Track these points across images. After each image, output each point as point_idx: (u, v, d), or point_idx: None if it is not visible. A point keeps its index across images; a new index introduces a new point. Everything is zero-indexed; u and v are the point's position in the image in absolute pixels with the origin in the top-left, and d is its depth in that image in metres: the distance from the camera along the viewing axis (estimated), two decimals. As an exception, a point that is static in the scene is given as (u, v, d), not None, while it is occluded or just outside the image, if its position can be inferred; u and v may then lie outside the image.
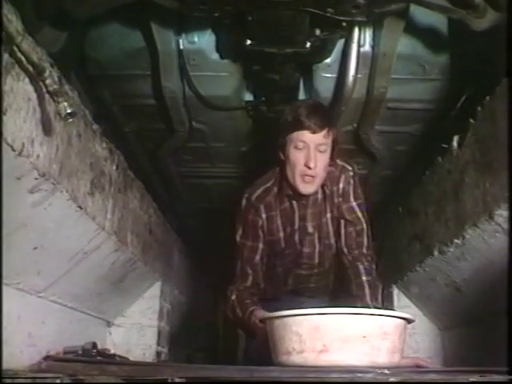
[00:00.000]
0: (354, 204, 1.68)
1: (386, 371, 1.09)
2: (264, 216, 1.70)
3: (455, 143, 1.65)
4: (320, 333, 1.12)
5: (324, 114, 1.60)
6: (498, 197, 1.31)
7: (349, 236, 1.68)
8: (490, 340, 1.66)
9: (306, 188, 1.60)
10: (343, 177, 1.69)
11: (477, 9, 1.25)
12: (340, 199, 1.69)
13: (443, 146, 1.76)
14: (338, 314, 1.15)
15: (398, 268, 2.25)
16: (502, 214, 1.31)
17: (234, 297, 1.62)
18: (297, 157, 1.56)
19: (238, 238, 1.71)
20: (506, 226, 1.33)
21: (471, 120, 1.51)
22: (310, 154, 1.53)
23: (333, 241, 1.74)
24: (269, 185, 1.71)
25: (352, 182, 1.69)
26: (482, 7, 1.24)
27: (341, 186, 1.68)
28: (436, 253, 1.78)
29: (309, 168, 1.54)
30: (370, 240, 1.70)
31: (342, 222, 1.69)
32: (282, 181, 1.67)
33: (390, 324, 1.17)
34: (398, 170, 2.46)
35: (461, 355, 1.99)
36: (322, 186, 1.67)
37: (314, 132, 1.53)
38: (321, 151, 1.56)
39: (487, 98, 1.40)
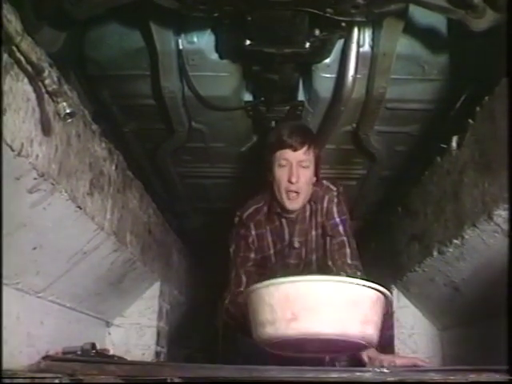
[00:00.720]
0: (337, 220, 1.77)
1: (385, 370, 1.09)
2: (254, 233, 1.82)
3: (454, 143, 1.66)
4: (290, 302, 1.14)
5: (304, 133, 1.74)
6: (497, 197, 1.31)
7: (331, 249, 1.75)
8: (488, 340, 1.67)
9: (291, 204, 1.71)
10: (327, 197, 1.79)
11: (476, 9, 1.25)
12: (324, 218, 1.78)
13: (442, 146, 1.76)
14: (306, 281, 1.17)
15: (397, 268, 2.25)
16: (500, 214, 1.31)
17: (227, 300, 1.70)
18: (281, 174, 1.68)
19: (231, 251, 1.83)
20: (504, 226, 1.34)
21: (470, 120, 1.51)
22: (293, 170, 1.65)
23: (314, 257, 1.84)
24: (260, 205, 1.84)
25: (336, 200, 1.79)
26: (481, 7, 1.24)
27: (325, 205, 1.79)
28: (435, 253, 1.78)
29: (291, 183, 1.65)
30: (355, 251, 1.75)
31: (328, 238, 1.77)
32: (272, 200, 1.78)
33: (359, 293, 1.16)
34: (397, 170, 2.46)
35: (460, 355, 1.99)
36: (310, 203, 1.78)
37: (294, 149, 1.66)
38: (303, 166, 1.67)
39: (486, 98, 1.40)
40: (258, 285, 1.22)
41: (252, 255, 1.80)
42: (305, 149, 1.67)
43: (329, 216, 1.77)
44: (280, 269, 1.87)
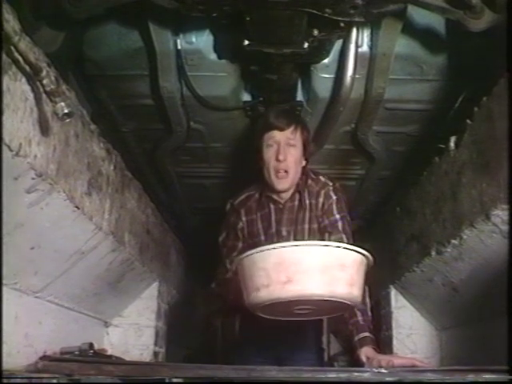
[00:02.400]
0: (337, 216, 1.77)
1: (383, 370, 1.09)
2: (244, 219, 1.84)
3: (452, 144, 1.66)
4: (284, 265, 1.21)
5: (290, 114, 1.81)
6: (495, 197, 1.32)
7: None
8: (487, 340, 1.67)
9: (280, 184, 1.73)
10: (323, 192, 1.79)
11: (474, 10, 1.25)
12: (320, 213, 1.78)
13: (441, 146, 1.76)
14: (299, 245, 1.25)
15: (395, 268, 2.26)
16: (498, 214, 1.32)
17: (213, 285, 1.76)
18: (269, 154, 1.72)
19: (220, 239, 1.86)
20: (502, 226, 1.34)
21: (468, 121, 1.52)
22: (280, 149, 1.70)
23: None
24: (252, 192, 1.88)
25: (334, 196, 1.79)
26: (478, 8, 1.24)
27: (320, 200, 1.79)
28: (433, 253, 1.78)
29: (279, 161, 1.69)
30: None
31: (326, 235, 1.76)
32: (263, 186, 1.81)
33: (347, 257, 1.26)
34: (396, 170, 2.47)
35: (458, 355, 1.99)
36: (299, 196, 1.79)
37: (281, 129, 1.71)
38: (290, 145, 1.71)
39: (484, 98, 1.40)
40: (251, 251, 1.28)
41: (240, 245, 1.82)
42: (291, 128, 1.72)
43: (328, 213, 1.77)
44: None
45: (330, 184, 1.81)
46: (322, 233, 1.78)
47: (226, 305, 1.76)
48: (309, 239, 1.79)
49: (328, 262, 1.22)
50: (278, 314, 1.36)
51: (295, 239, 1.79)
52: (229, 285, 1.63)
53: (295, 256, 1.22)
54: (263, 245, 1.80)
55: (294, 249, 1.23)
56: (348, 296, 1.24)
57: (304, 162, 1.79)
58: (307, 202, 1.79)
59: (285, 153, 1.69)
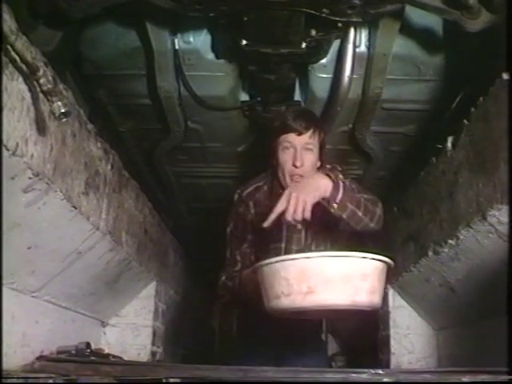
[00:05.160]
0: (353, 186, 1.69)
1: (380, 371, 1.09)
2: (253, 211, 1.77)
3: (449, 144, 1.66)
4: (305, 276, 1.19)
5: (309, 117, 1.71)
6: (491, 198, 1.32)
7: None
8: (484, 340, 1.67)
9: None
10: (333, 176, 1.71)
11: (471, 10, 1.25)
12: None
13: (438, 146, 1.76)
14: (321, 257, 1.23)
15: (392, 268, 2.25)
16: (494, 214, 1.32)
17: (223, 277, 1.71)
18: (285, 158, 1.65)
19: (228, 230, 1.80)
20: (499, 226, 1.34)
21: (465, 121, 1.52)
22: (297, 154, 1.62)
23: (322, 245, 1.75)
24: (260, 184, 1.80)
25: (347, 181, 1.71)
26: (476, 8, 1.25)
27: None
28: (430, 253, 1.78)
29: (296, 167, 1.62)
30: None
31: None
32: (274, 180, 1.75)
33: (369, 266, 1.24)
34: (393, 170, 2.47)
35: (455, 355, 1.99)
36: None
37: (299, 134, 1.63)
38: (307, 149, 1.64)
39: (481, 98, 1.41)
40: (273, 259, 1.26)
41: (249, 236, 1.77)
42: (310, 133, 1.64)
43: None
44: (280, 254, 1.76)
45: (339, 169, 1.73)
46: (329, 222, 1.67)
47: (231, 300, 1.72)
48: (317, 233, 1.73)
49: (350, 272, 1.20)
50: (297, 316, 1.34)
51: (306, 235, 1.74)
52: (240, 279, 1.61)
53: (317, 266, 1.20)
54: (275, 239, 1.74)
55: (316, 260, 1.21)
56: (369, 304, 1.23)
57: (319, 164, 1.72)
58: None
59: (302, 158, 1.62)
